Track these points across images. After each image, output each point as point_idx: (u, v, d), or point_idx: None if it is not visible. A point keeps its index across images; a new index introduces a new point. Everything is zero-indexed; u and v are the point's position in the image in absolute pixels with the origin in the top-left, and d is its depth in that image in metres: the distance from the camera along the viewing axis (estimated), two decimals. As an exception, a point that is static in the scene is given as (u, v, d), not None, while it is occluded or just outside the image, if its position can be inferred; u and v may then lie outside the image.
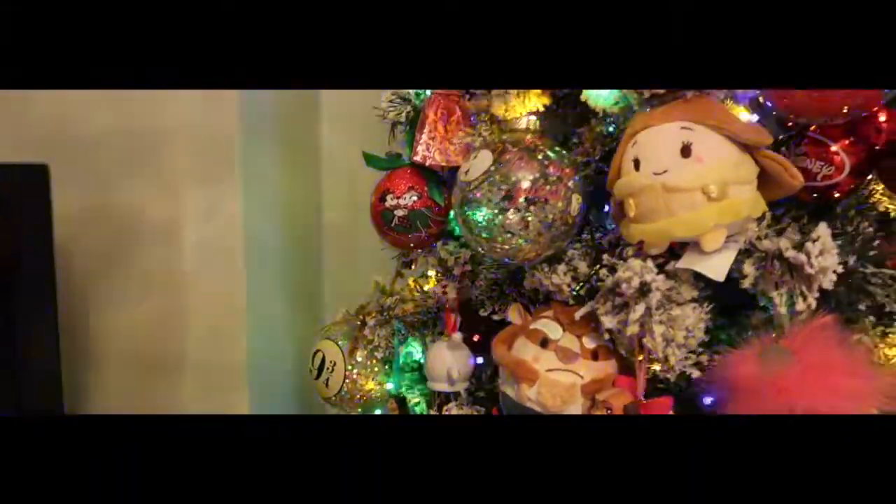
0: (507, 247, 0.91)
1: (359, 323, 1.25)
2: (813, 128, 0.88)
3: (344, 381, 1.22)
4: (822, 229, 0.78)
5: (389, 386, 1.25)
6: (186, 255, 1.85)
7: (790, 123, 0.90)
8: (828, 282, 0.76)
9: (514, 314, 1.01)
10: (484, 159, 0.90)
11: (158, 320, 1.89)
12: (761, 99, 0.87)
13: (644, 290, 0.82)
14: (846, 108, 0.82)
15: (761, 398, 0.78)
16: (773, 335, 0.81)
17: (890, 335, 0.96)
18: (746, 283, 0.81)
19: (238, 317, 1.86)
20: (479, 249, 0.94)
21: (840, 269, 0.78)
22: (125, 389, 1.92)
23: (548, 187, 0.88)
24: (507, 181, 0.88)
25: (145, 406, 1.91)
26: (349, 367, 1.21)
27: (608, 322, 0.86)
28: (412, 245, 1.15)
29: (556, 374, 0.91)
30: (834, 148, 0.86)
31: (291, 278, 2.03)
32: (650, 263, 0.83)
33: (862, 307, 0.84)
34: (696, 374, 0.83)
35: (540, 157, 0.89)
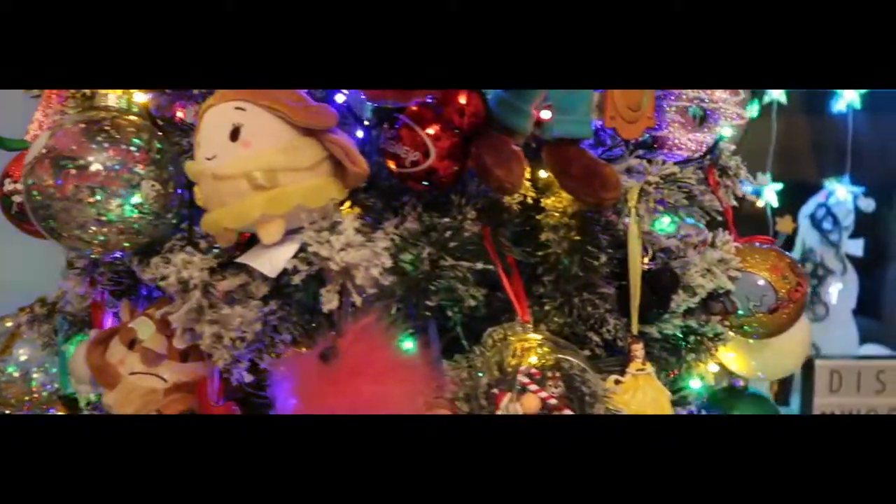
0: (82, 237, 0.82)
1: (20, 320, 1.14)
2: (420, 107, 0.83)
3: (-4, 383, 1.11)
4: (347, 223, 0.72)
5: (55, 387, 1.15)
6: None
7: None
8: (362, 277, 0.71)
9: (124, 311, 0.93)
10: (39, 141, 0.81)
11: None
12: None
13: (186, 286, 0.74)
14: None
15: (315, 401, 0.73)
16: (333, 334, 0.76)
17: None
18: (297, 280, 0.75)
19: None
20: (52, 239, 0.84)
21: (387, 264, 0.73)
22: None
23: (104, 173, 0.79)
24: (56, 165, 0.79)
25: None
26: (-2, 368, 1.10)
27: (174, 321, 0.78)
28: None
29: (137, 378, 0.84)
30: (419, 132, 0.80)
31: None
32: (196, 258, 0.76)
33: (432, 302, 0.79)
34: (248, 376, 0.77)
35: (99, 138, 0.80)
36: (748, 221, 2.36)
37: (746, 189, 2.31)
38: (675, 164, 0.88)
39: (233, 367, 0.77)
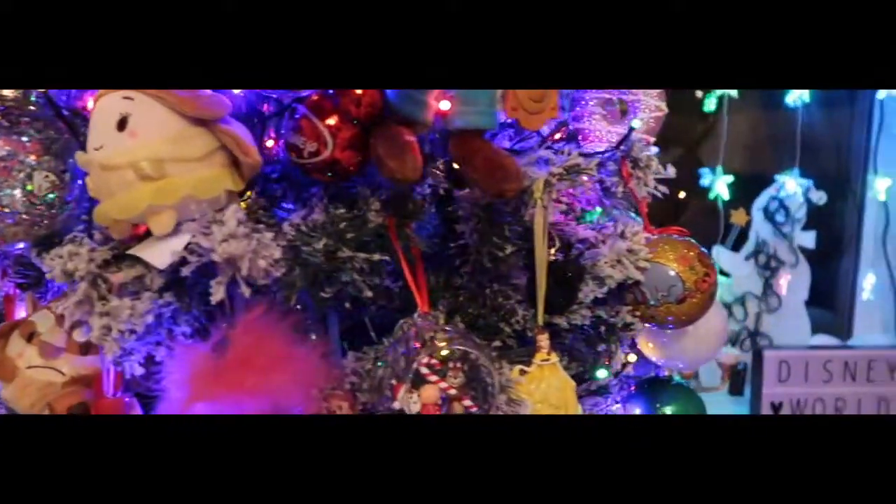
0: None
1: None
2: (317, 98, 0.82)
3: None
4: (229, 213, 0.72)
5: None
6: None
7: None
8: (249, 269, 0.70)
9: (28, 304, 0.92)
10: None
11: None
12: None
13: (72, 278, 0.74)
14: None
15: (202, 392, 0.72)
16: (226, 325, 0.75)
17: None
18: (186, 271, 0.74)
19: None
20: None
21: (276, 255, 0.73)
22: None
23: (-5, 164, 0.78)
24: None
25: None
26: None
27: (63, 312, 0.77)
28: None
29: (35, 372, 0.83)
30: (317, 123, 0.80)
31: None
32: (83, 250, 0.75)
33: (327, 294, 0.79)
34: (139, 369, 0.77)
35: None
36: (703, 213, 2.41)
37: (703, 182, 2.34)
38: (581, 154, 0.88)
39: (124, 360, 0.77)
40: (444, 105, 0.82)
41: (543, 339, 0.88)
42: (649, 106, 1.09)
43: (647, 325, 1.00)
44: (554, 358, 0.88)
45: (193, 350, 0.75)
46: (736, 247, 2.42)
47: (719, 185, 2.33)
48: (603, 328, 0.96)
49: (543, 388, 0.87)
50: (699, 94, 2.34)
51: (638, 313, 0.97)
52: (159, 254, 0.74)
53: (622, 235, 0.94)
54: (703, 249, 0.97)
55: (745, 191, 2.39)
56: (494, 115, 0.85)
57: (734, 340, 2.45)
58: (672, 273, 0.95)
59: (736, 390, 2.43)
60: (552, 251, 0.90)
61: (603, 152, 0.95)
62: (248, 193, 0.83)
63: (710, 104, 2.36)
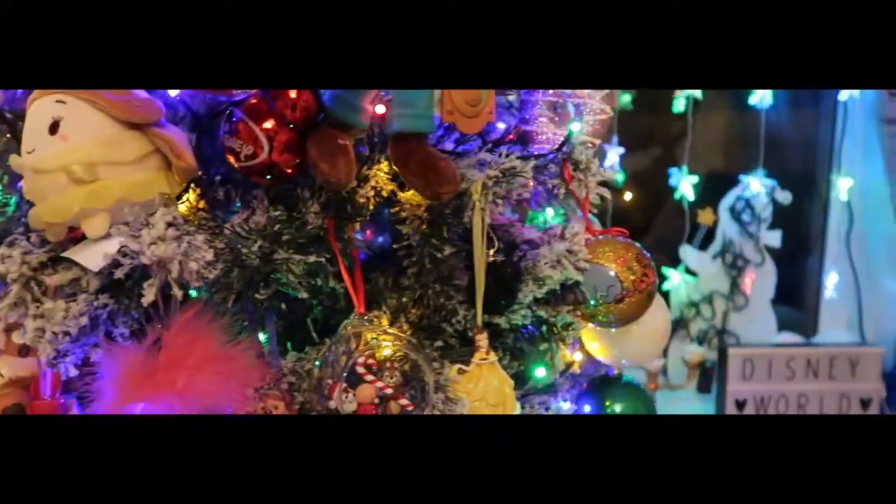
0: None
1: None
2: (253, 102, 0.83)
3: None
4: (158, 216, 0.73)
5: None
6: None
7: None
8: (179, 271, 0.71)
9: (-30, 306, 0.92)
10: None
11: None
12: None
13: (3, 280, 0.74)
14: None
15: (132, 393, 0.73)
16: (160, 326, 0.76)
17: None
18: (119, 273, 0.75)
19: None
20: None
21: (208, 258, 0.74)
22: None
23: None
24: None
25: None
26: None
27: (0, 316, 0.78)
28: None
29: (-26, 374, 0.83)
30: (253, 127, 0.81)
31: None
32: (16, 252, 0.76)
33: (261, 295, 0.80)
34: (73, 370, 0.77)
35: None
36: (670, 213, 2.44)
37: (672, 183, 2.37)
38: (518, 157, 0.90)
39: (59, 361, 0.77)
40: (380, 109, 0.83)
41: (482, 339, 0.90)
42: (594, 108, 1.10)
43: (589, 324, 1.01)
44: (493, 357, 0.89)
45: (125, 351, 0.76)
46: (703, 246, 2.45)
47: (684, 185, 2.36)
48: (544, 328, 0.98)
49: (482, 386, 0.88)
50: (677, 92, 2.36)
51: (578, 313, 0.99)
52: (92, 256, 0.75)
53: (562, 236, 0.96)
54: (643, 251, 0.98)
55: (711, 191, 2.42)
56: (432, 119, 0.86)
57: (702, 339, 2.48)
58: (611, 273, 0.97)
59: (704, 388, 2.46)
60: (491, 252, 0.91)
61: (540, 155, 0.97)
62: (187, 196, 0.84)
63: (678, 104, 2.38)
